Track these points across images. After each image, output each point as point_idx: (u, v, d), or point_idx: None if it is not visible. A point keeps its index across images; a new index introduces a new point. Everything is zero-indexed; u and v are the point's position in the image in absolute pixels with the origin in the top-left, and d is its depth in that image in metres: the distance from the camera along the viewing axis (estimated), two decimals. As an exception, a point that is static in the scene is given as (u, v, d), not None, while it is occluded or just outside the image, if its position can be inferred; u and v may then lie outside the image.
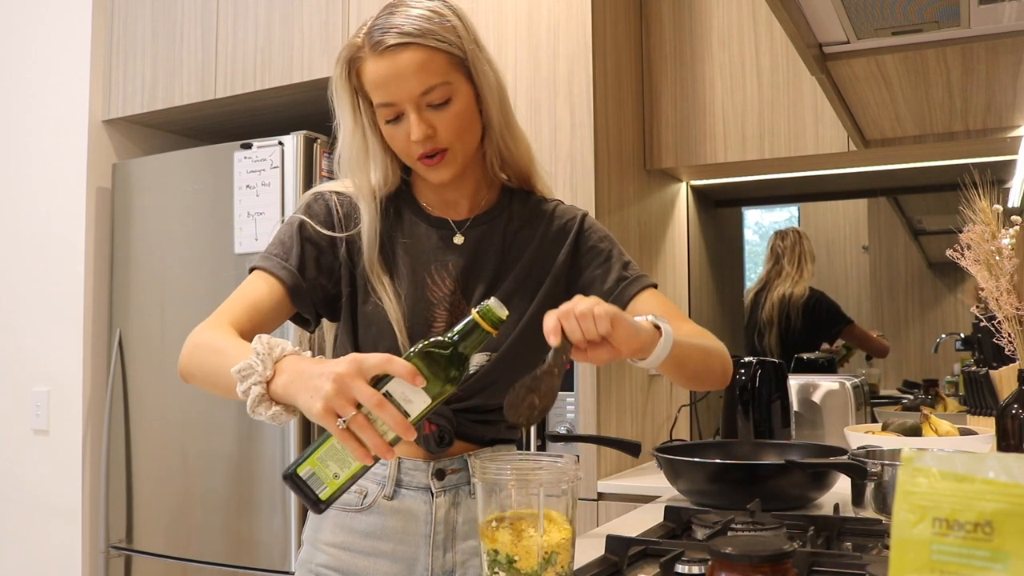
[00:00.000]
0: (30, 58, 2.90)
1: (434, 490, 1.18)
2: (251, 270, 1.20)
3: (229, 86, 2.63)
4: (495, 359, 1.19)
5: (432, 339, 0.91)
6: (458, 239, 1.23)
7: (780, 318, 2.71)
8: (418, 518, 1.18)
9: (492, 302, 0.93)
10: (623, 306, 1.22)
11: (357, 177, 1.21)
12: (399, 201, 1.25)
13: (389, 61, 1.12)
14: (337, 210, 1.22)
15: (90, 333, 2.72)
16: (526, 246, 1.25)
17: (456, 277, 1.21)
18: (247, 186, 2.42)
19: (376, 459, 0.86)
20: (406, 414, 0.87)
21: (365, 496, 1.19)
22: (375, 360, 0.87)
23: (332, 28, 2.47)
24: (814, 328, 2.71)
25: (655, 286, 1.26)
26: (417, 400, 0.88)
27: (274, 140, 2.39)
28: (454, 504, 1.19)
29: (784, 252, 2.75)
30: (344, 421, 0.85)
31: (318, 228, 1.20)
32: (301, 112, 2.75)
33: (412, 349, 0.91)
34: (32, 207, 2.85)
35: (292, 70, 2.52)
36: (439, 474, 1.19)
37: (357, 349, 1.19)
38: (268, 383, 0.94)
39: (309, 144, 2.39)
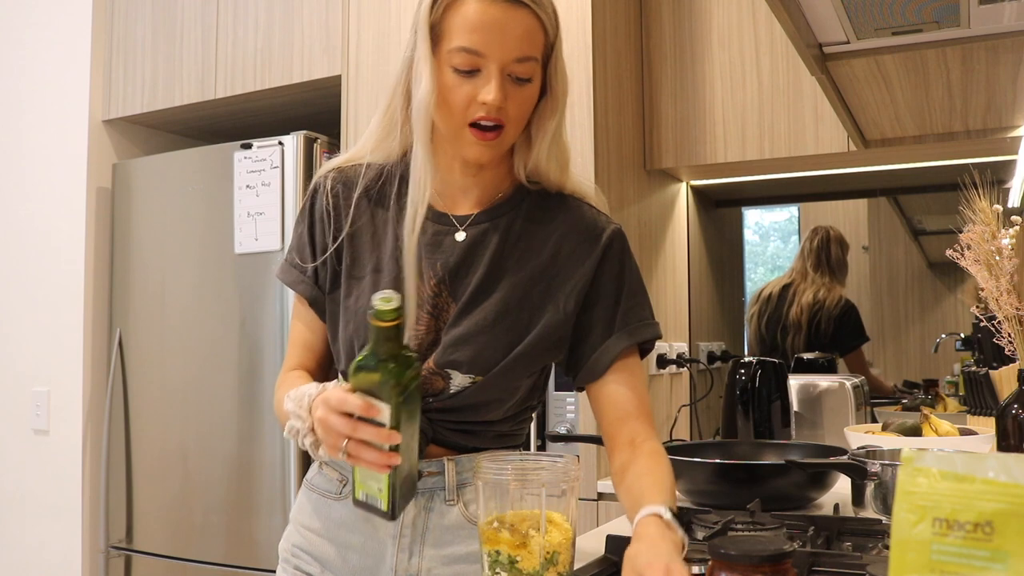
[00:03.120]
0: (30, 58, 2.90)
1: None
2: (281, 278, 1.23)
3: (229, 86, 2.63)
4: (480, 383, 1.10)
5: (357, 357, 0.97)
6: (459, 235, 1.14)
7: (810, 323, 2.69)
8: None
9: (376, 300, 0.94)
10: (608, 364, 1.13)
11: (427, 127, 1.09)
12: (403, 186, 1.15)
13: (501, 10, 1.03)
14: (328, 202, 1.17)
15: (90, 333, 2.72)
16: (533, 250, 1.14)
17: (442, 278, 1.12)
18: (247, 186, 2.42)
19: (391, 465, 0.94)
20: (382, 424, 0.93)
21: (345, 485, 1.16)
22: (336, 397, 0.95)
23: (332, 28, 2.47)
24: (838, 338, 2.70)
25: (650, 342, 1.17)
26: (382, 408, 0.93)
27: (274, 140, 2.39)
28: (426, 508, 1.12)
29: (809, 253, 2.73)
30: (344, 452, 0.94)
31: (324, 227, 1.17)
32: (301, 112, 2.75)
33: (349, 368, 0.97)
34: (32, 207, 2.85)
35: (292, 70, 2.52)
36: None
37: (339, 346, 1.16)
38: (312, 429, 1.01)
39: (309, 144, 2.39)
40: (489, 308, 1.11)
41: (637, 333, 1.15)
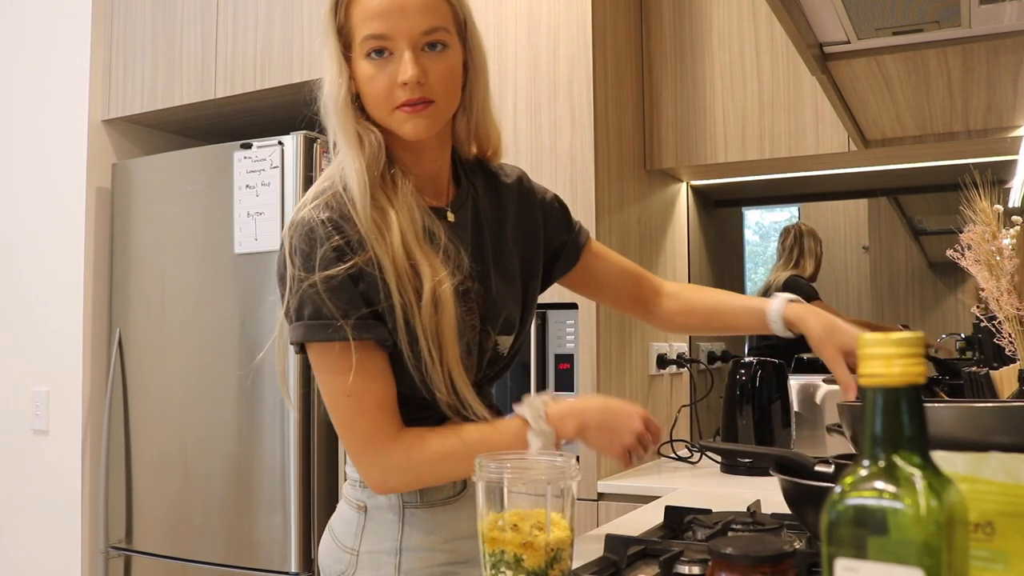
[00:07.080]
0: (30, 58, 2.89)
1: None
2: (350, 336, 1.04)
3: (229, 86, 2.63)
4: (516, 335, 1.22)
5: None
6: (450, 216, 1.16)
7: None
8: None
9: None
10: (580, 251, 1.32)
11: (347, 123, 1.09)
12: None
13: None
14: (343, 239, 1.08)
15: (90, 333, 2.71)
16: (510, 221, 1.23)
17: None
18: (247, 186, 2.42)
19: None
20: None
21: (463, 487, 1.16)
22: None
23: (332, 28, 2.46)
24: None
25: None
26: None
27: (274, 140, 2.39)
28: None
29: (782, 252, 2.74)
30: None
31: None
32: (301, 112, 2.74)
33: None
34: (32, 207, 2.85)
35: (292, 70, 2.52)
36: None
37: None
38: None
39: (309, 144, 2.39)
40: (501, 272, 1.19)
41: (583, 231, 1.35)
